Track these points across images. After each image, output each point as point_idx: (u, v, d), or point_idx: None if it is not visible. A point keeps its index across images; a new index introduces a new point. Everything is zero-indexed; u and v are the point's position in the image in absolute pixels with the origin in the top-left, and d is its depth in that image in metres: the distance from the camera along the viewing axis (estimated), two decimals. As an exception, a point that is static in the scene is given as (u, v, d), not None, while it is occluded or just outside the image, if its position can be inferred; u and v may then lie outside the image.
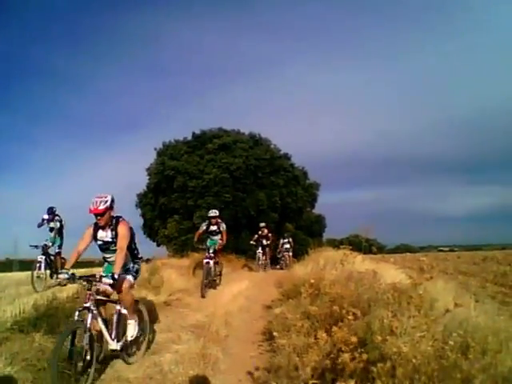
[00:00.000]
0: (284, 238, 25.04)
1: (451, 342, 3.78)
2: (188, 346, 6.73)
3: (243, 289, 12.41)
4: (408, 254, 45.25)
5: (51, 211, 14.14)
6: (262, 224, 22.14)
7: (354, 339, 3.83)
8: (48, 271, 13.60)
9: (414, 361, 3.59)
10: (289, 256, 24.72)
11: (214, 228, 13.31)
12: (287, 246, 24.85)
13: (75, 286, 11.62)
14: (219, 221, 13.38)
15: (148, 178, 29.72)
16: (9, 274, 23.04)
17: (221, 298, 10.50)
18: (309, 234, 30.37)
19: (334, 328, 4.01)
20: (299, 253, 22.67)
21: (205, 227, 13.32)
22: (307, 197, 30.88)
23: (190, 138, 30.56)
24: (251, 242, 21.82)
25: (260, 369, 5.67)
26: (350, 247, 8.77)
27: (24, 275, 18.12)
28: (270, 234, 22.02)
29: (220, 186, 26.16)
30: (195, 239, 13.39)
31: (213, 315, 8.55)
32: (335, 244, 29.62)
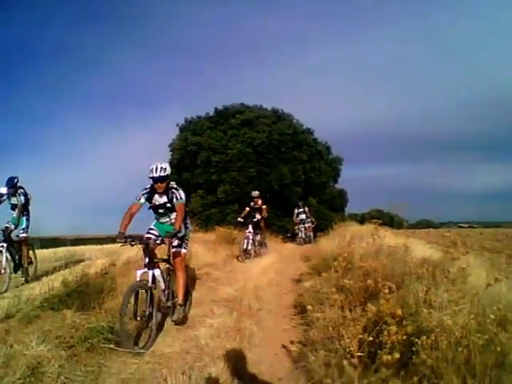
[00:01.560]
0: (298, 208, 23.18)
1: (492, 316, 3.77)
2: (222, 320, 6.74)
3: (271, 263, 12.39)
4: (431, 229, 45.12)
5: (12, 183, 10.68)
6: (255, 193, 16.55)
7: (399, 312, 3.83)
8: (11, 264, 10.36)
9: (456, 334, 3.59)
10: (306, 228, 23.11)
11: (161, 200, 6.86)
12: (303, 216, 23.00)
13: (103, 261, 11.71)
14: (172, 185, 6.91)
15: (170, 153, 29.81)
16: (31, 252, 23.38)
17: (250, 272, 10.52)
18: (331, 208, 30.35)
19: (382, 301, 4.01)
20: (323, 227, 22.48)
21: (143, 199, 6.76)
22: (330, 172, 30.73)
23: (211, 113, 30.52)
24: (238, 219, 16.18)
25: (294, 342, 5.70)
26: (380, 222, 8.71)
27: (47, 252, 18.31)
28: (264, 206, 16.35)
29: (244, 160, 26.14)
30: (121, 229, 6.33)
31: (243, 289, 8.56)
32: (357, 219, 29.57)
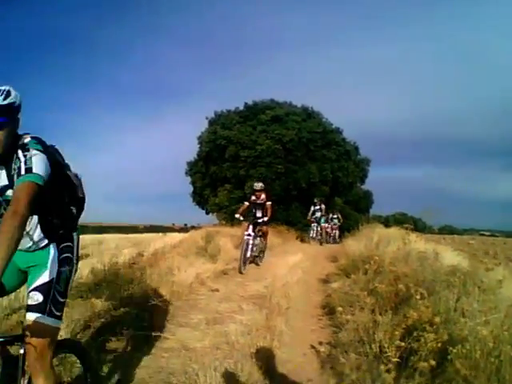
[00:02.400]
0: (315, 205, 21.70)
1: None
2: (252, 317, 6.72)
3: (298, 261, 12.28)
4: (456, 236, 44.95)
5: None
6: (259, 185, 12.99)
7: (437, 319, 3.86)
8: None
9: (490, 344, 3.61)
10: (322, 228, 21.97)
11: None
12: (318, 214, 21.62)
13: (130, 251, 11.75)
14: (24, 140, 2.70)
15: (199, 146, 30.18)
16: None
17: (277, 270, 10.52)
18: (356, 209, 30.36)
19: (422, 308, 4.04)
20: (348, 228, 22.31)
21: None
22: (358, 172, 30.67)
23: (241, 108, 30.74)
24: (236, 216, 12.89)
25: (323, 343, 5.68)
26: (412, 227, 8.69)
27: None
28: (268, 203, 12.90)
29: (272, 157, 26.21)
30: None
31: (272, 286, 8.57)
32: (381, 220, 29.44)
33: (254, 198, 12.94)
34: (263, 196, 12.86)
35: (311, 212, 21.71)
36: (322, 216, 21.95)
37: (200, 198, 30.28)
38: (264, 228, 13.05)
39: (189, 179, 31.00)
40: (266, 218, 12.63)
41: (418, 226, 10.16)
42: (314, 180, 26.43)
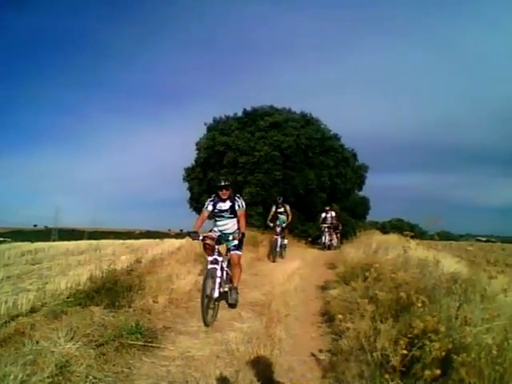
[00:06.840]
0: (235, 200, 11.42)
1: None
2: (251, 325, 6.73)
3: (296, 268, 12.36)
4: (453, 242, 44.86)
5: None
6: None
7: (443, 328, 3.82)
8: None
9: (494, 352, 3.59)
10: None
11: None
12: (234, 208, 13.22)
13: (128, 257, 11.73)
14: None
15: (197, 152, 30.17)
16: (53, 244, 23.42)
17: (276, 277, 10.52)
18: (352, 215, 30.36)
19: (428, 317, 3.99)
20: (346, 234, 22.29)
21: None
22: (356, 179, 30.71)
23: (240, 114, 30.51)
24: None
25: (323, 351, 5.67)
26: (412, 234, 8.61)
27: (70, 245, 18.32)
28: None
29: (270, 163, 26.09)
30: None
31: (270, 294, 8.56)
32: (377, 226, 29.41)
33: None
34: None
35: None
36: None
37: (197, 204, 30.27)
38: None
39: (186, 185, 31.01)
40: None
41: (415, 232, 10.09)
42: (312, 186, 26.41)
